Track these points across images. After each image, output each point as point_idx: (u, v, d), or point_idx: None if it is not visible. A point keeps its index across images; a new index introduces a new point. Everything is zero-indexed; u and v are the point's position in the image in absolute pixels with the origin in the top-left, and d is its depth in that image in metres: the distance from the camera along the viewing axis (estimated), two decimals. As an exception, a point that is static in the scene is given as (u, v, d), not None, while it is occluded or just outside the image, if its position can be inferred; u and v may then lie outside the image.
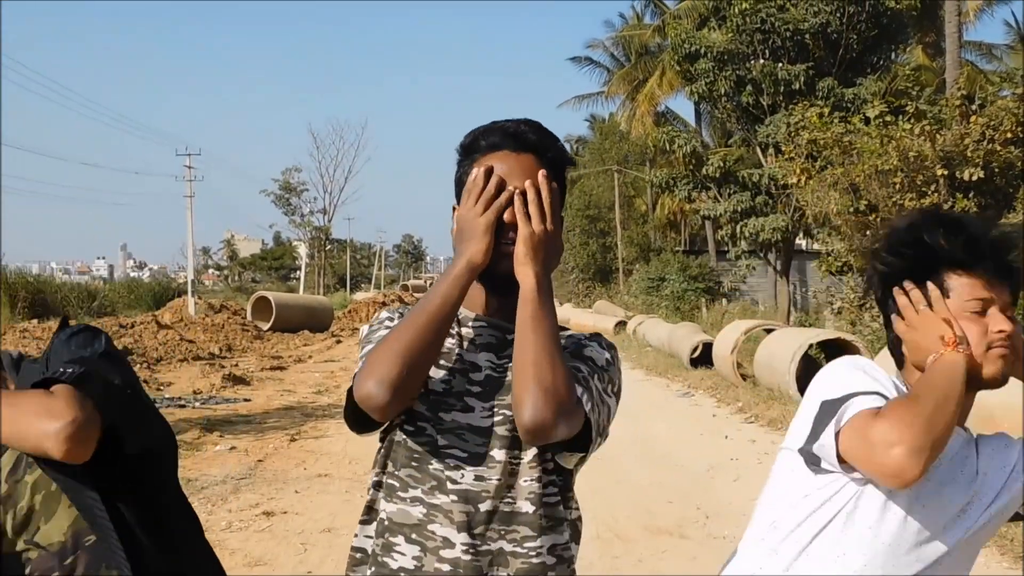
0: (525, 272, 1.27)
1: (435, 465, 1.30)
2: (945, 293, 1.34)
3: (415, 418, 1.32)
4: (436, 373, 1.32)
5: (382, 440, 1.37)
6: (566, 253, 37.54)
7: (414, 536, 1.29)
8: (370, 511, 1.36)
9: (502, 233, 1.29)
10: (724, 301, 24.24)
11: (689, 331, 15.53)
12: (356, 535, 1.38)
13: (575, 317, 24.79)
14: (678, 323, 17.76)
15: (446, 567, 1.27)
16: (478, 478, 1.29)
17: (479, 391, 1.33)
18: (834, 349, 10.36)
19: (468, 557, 1.27)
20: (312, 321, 24.44)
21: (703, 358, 13.50)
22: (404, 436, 1.33)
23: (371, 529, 1.36)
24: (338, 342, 21.13)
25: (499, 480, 1.29)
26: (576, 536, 1.37)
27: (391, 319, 1.39)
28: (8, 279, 25.53)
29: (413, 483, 1.31)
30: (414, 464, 1.31)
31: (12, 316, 22.73)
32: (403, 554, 1.30)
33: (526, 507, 1.30)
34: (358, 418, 1.29)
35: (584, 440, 1.28)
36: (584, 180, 38.56)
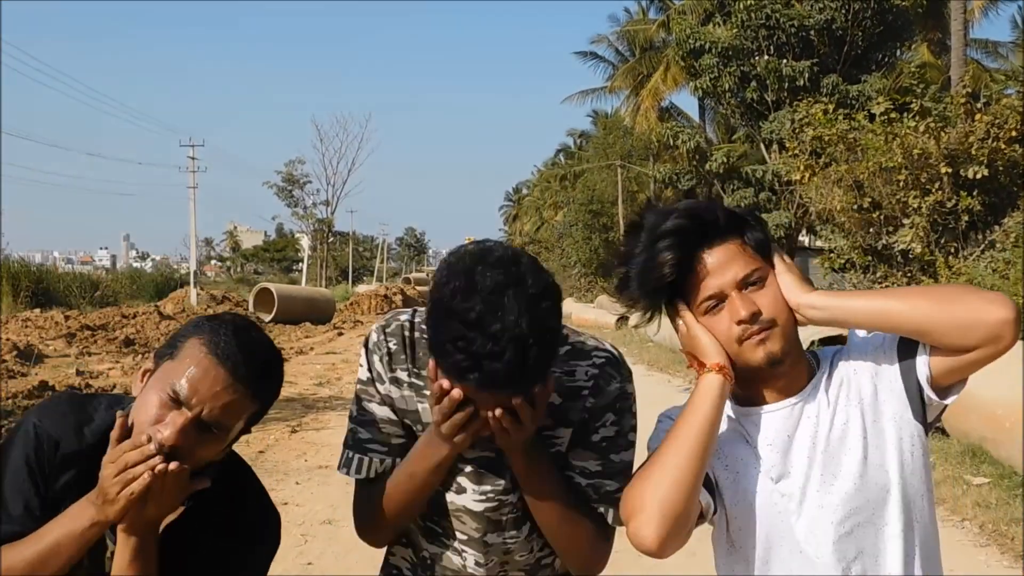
0: (514, 459, 1.24)
1: (457, 523, 1.36)
2: (685, 301, 1.24)
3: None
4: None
5: None
6: (568, 248, 37.72)
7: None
8: (411, 537, 1.40)
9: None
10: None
11: (691, 327, 15.49)
12: (392, 554, 1.44)
13: (577, 312, 24.79)
14: (680, 319, 17.73)
15: None
16: (478, 563, 1.35)
17: (470, 471, 1.31)
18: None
19: None
20: (314, 313, 24.46)
21: (704, 354, 13.48)
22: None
23: (408, 553, 1.41)
24: (340, 334, 21.14)
25: (494, 560, 1.35)
26: None
27: (365, 394, 1.34)
28: (11, 268, 25.57)
29: (451, 534, 1.35)
30: (450, 518, 1.35)
31: (14, 305, 22.77)
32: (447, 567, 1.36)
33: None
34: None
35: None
36: (587, 175, 38.52)
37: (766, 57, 17.91)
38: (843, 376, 1.28)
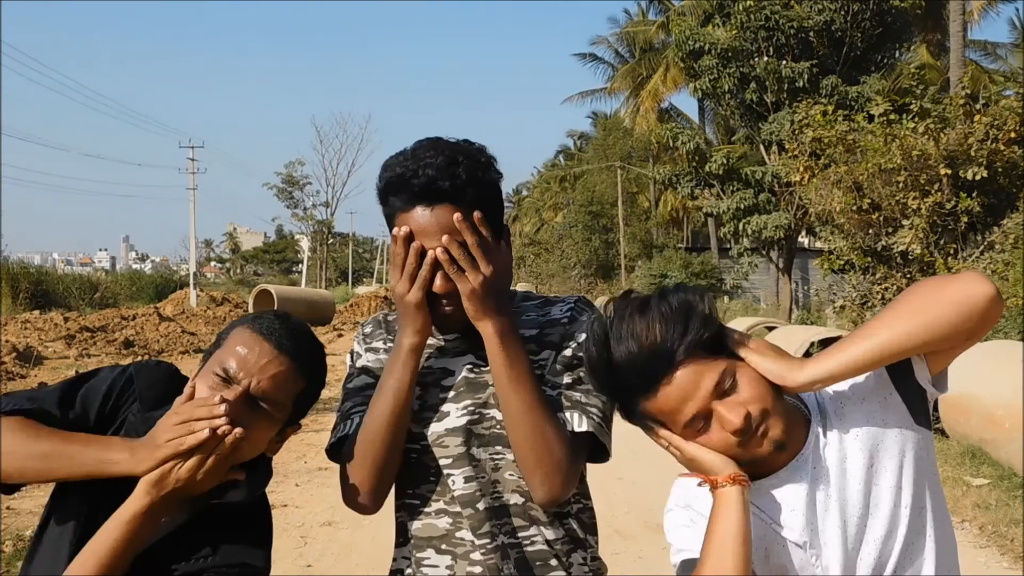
0: (483, 325, 1.24)
1: (444, 474, 1.33)
2: (664, 425, 1.20)
3: (414, 439, 1.34)
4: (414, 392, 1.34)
5: None
6: (568, 249, 37.70)
7: (443, 546, 1.33)
8: (404, 532, 1.39)
9: (436, 301, 1.24)
10: (726, 298, 24.24)
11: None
12: (393, 559, 1.42)
13: (576, 313, 24.81)
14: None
15: (477, 569, 1.31)
16: (467, 479, 1.32)
17: (453, 395, 1.33)
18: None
19: (484, 557, 1.31)
20: (314, 314, 24.46)
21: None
22: (413, 456, 1.34)
23: (406, 550, 1.38)
24: (339, 335, 21.14)
25: (484, 477, 1.32)
26: (586, 528, 1.40)
27: (348, 379, 1.41)
28: (10, 270, 25.56)
29: (435, 496, 1.34)
30: (431, 480, 1.34)
31: (14, 307, 22.76)
32: (435, 565, 1.33)
33: (514, 499, 1.32)
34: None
35: (601, 453, 1.34)
36: (587, 176, 38.52)
37: (765, 58, 17.92)
38: (836, 410, 1.24)
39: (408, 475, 1.35)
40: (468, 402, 1.32)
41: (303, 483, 5.93)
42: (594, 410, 1.30)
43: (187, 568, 1.24)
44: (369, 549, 4.23)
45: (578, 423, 1.28)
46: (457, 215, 1.18)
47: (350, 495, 1.30)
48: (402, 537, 1.38)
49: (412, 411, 1.31)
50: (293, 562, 4.32)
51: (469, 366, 1.34)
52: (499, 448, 1.31)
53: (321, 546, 4.55)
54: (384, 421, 1.27)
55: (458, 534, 1.32)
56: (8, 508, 4.86)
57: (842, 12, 17.38)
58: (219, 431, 1.16)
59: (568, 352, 1.32)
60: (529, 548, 1.32)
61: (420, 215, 1.20)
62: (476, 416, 1.32)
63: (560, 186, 47.18)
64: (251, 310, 24.57)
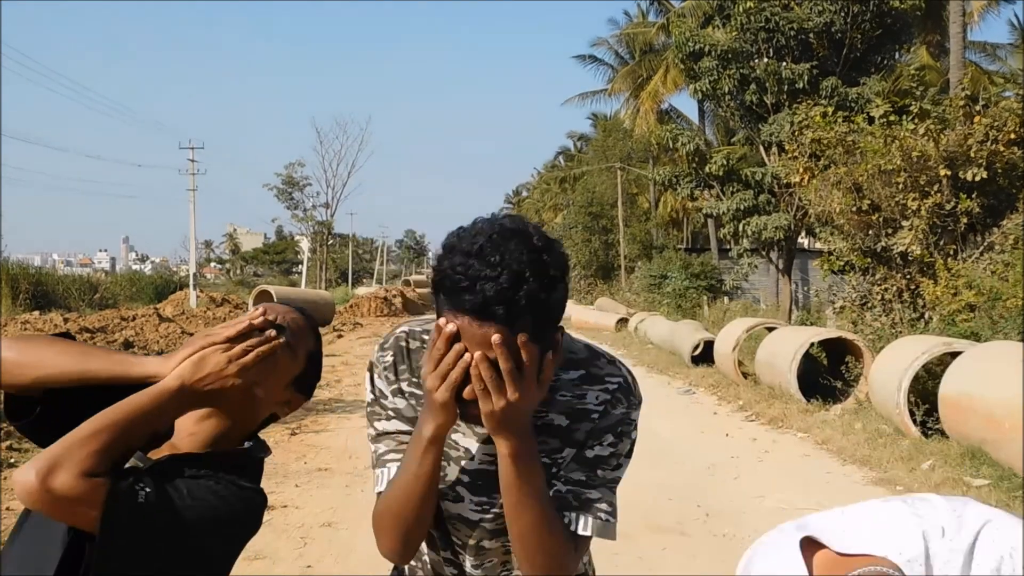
0: (498, 443, 1.20)
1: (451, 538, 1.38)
2: None
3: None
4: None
5: None
6: (568, 250, 37.64)
7: (447, 554, 1.38)
8: None
9: (464, 401, 1.18)
10: (726, 299, 24.22)
11: (690, 329, 15.53)
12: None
13: (577, 314, 24.79)
14: (679, 321, 17.76)
15: (478, 573, 1.37)
16: (475, 566, 1.37)
17: (468, 481, 1.33)
18: (835, 348, 10.36)
19: None
20: (314, 315, 24.39)
21: (704, 356, 13.51)
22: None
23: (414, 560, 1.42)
24: (339, 336, 21.14)
25: (492, 562, 1.36)
26: None
27: (375, 414, 1.36)
28: (10, 271, 25.56)
29: (444, 545, 1.38)
30: (442, 528, 1.38)
31: (13, 307, 22.76)
32: (439, 561, 1.39)
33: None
34: None
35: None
36: (587, 177, 38.51)
37: (765, 60, 17.91)
38: None
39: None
40: (484, 498, 1.32)
41: (303, 484, 5.93)
42: (603, 509, 1.28)
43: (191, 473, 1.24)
44: (369, 550, 4.22)
45: (583, 527, 1.26)
46: (496, 338, 1.11)
47: (382, 548, 1.33)
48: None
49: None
50: (293, 563, 4.32)
51: (485, 455, 1.31)
52: (507, 539, 1.32)
53: (321, 547, 4.55)
54: (410, 502, 1.26)
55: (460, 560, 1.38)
56: (8, 509, 4.85)
57: (842, 13, 17.37)
58: (257, 322, 1.29)
59: (589, 454, 1.29)
60: None
61: (468, 324, 1.13)
62: (491, 515, 1.33)
63: (560, 187, 47.17)
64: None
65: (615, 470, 1.31)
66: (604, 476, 1.29)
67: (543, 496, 1.22)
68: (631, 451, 1.35)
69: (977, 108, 11.18)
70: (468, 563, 1.35)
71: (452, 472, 1.32)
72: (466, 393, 1.16)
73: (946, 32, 18.76)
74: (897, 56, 19.46)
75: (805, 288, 25.51)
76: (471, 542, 1.34)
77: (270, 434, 7.52)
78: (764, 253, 19.42)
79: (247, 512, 1.33)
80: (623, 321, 22.50)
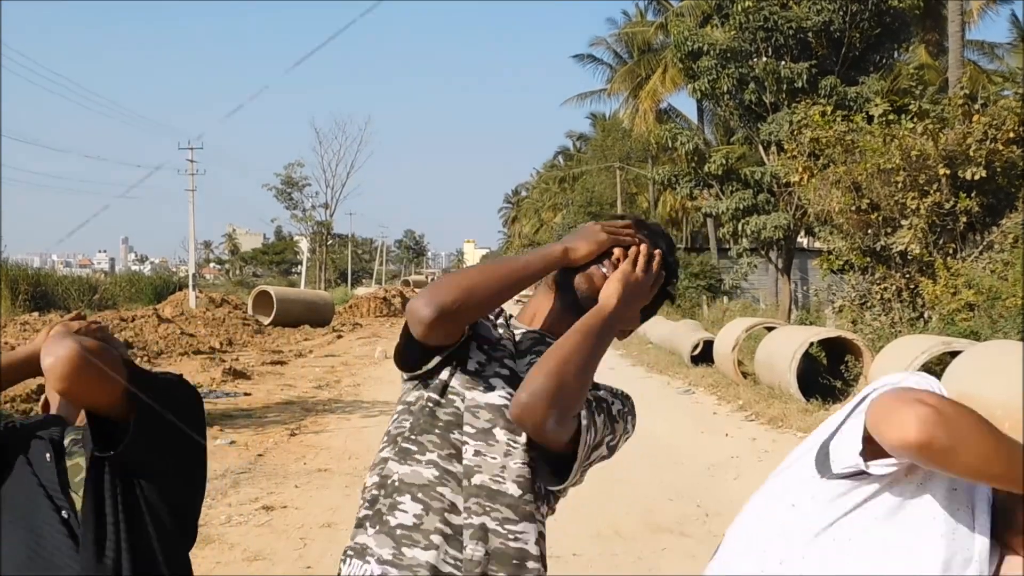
0: (608, 295, 1.38)
1: (456, 435, 1.38)
2: None
3: (447, 391, 1.40)
4: (476, 355, 1.41)
5: (409, 404, 1.44)
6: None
7: (420, 496, 1.35)
8: (386, 472, 1.41)
9: (604, 258, 1.43)
10: (725, 299, 24.21)
11: (690, 329, 15.53)
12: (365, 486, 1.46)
13: (576, 314, 24.78)
14: (679, 320, 17.75)
15: (448, 529, 1.33)
16: (476, 452, 1.36)
17: (507, 375, 1.40)
18: (835, 347, 10.36)
19: (462, 522, 1.34)
20: (313, 316, 24.43)
21: (704, 356, 13.50)
22: (431, 405, 1.40)
23: (376, 478, 1.42)
24: (339, 337, 21.13)
25: (495, 459, 1.35)
26: (541, 547, 1.38)
27: None
28: (8, 272, 25.54)
29: (432, 448, 1.38)
30: (437, 431, 1.38)
31: (13, 309, 22.74)
32: (405, 511, 1.35)
33: (513, 489, 1.35)
34: (406, 350, 1.40)
35: (565, 469, 1.34)
36: (586, 177, 38.51)
37: (764, 59, 17.90)
38: None
39: (419, 421, 1.40)
40: (511, 390, 1.37)
41: (303, 484, 5.92)
42: (592, 444, 1.36)
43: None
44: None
45: (585, 423, 1.33)
46: (658, 252, 1.45)
47: (420, 296, 1.33)
48: (381, 477, 1.41)
49: (469, 371, 1.39)
50: (293, 563, 4.32)
51: (527, 363, 1.40)
52: (518, 438, 1.36)
53: (321, 548, 4.54)
54: (500, 270, 1.36)
55: (439, 489, 1.35)
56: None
57: (841, 12, 17.37)
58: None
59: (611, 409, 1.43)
60: (513, 543, 1.34)
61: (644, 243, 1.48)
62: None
63: (559, 187, 47.17)
64: (250, 311, 24.55)
65: (608, 434, 1.40)
66: (603, 426, 1.39)
67: (599, 354, 1.33)
68: (616, 445, 1.44)
69: (976, 107, 11.18)
70: (470, 452, 1.36)
71: (491, 369, 1.40)
72: (617, 252, 1.42)
73: (945, 31, 18.76)
74: (896, 55, 19.46)
75: (804, 288, 25.50)
76: (487, 426, 1.37)
77: (269, 436, 7.54)
78: (763, 252, 19.42)
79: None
80: (622, 321, 22.45)
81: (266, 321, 22.82)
